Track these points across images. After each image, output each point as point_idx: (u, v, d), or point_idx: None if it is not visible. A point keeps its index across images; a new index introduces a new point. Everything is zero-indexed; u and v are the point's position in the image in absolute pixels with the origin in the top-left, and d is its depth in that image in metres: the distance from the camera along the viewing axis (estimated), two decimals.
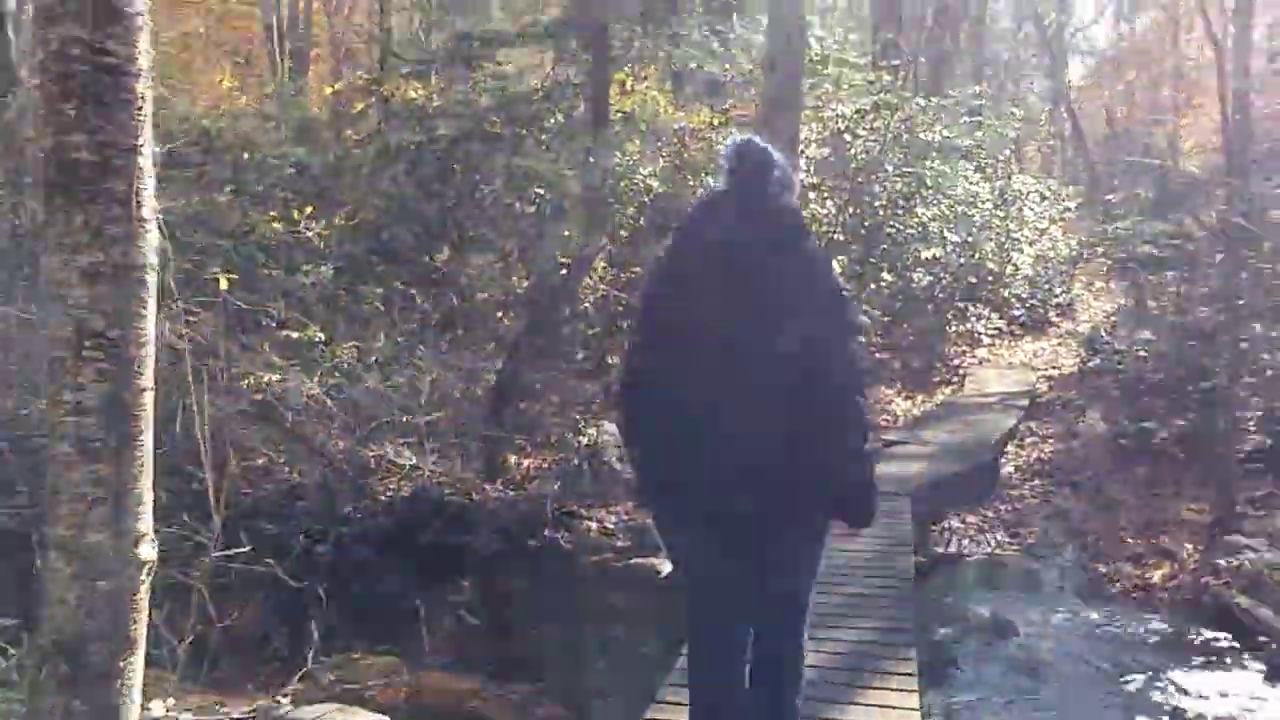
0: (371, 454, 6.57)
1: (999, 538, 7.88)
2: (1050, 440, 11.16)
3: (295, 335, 6.77)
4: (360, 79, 11.56)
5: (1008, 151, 19.03)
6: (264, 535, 7.19)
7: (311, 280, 7.37)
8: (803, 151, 11.37)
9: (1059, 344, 18.46)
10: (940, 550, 7.58)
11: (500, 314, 10.44)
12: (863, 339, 2.72)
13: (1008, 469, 9.92)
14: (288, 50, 23.73)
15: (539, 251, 11.18)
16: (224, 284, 5.97)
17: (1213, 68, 26.96)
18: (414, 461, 6.78)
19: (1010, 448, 10.79)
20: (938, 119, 14.05)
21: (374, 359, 7.71)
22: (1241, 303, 12.42)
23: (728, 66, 11.37)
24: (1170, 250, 13.89)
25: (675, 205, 11.59)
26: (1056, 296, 20.80)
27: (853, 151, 12.34)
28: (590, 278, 9.87)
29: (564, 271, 9.02)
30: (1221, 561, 6.69)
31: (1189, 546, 7.21)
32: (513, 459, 8.32)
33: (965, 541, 7.77)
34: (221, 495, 4.84)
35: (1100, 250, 16.22)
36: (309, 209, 7.31)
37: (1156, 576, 6.91)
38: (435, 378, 8.34)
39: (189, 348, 4.42)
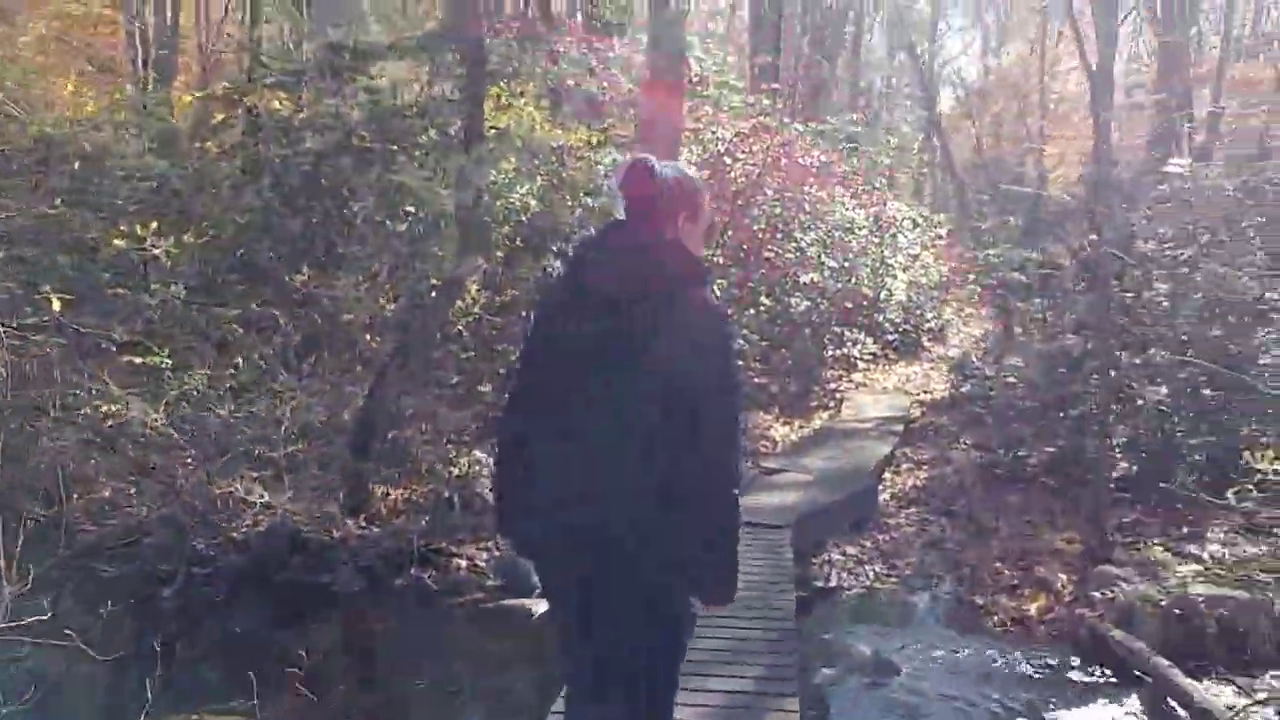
0: (219, 490, 6.09)
1: (877, 569, 7.78)
2: (925, 466, 11.21)
3: (140, 360, 6.26)
4: (223, 88, 10.97)
5: (882, 178, 19.33)
6: (104, 579, 6.71)
7: (159, 300, 6.85)
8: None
9: (931, 369, 18.75)
10: (820, 584, 7.44)
11: (368, 337, 9.99)
12: (739, 409, 2.49)
13: (884, 496, 9.89)
14: (152, 58, 22.80)
15: (410, 271, 10.79)
16: (56, 305, 5.48)
17: (1073, 100, 28.08)
18: (266, 498, 6.32)
19: (887, 474, 10.80)
20: (815, 144, 14.11)
21: (228, 385, 7.23)
22: (1107, 330, 12.81)
23: (606, 85, 11.16)
24: (1039, 278, 14.20)
25: (552, 225, 11.34)
26: (928, 322, 21.20)
27: (732, 174, 12.26)
28: (463, 300, 9.52)
29: (434, 293, 8.65)
30: (1095, 593, 6.69)
31: (1064, 577, 7.21)
32: (379, 491, 7.91)
33: (844, 574, 7.65)
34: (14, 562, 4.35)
35: (971, 277, 16.45)
36: (154, 224, 6.77)
37: (1033, 609, 6.88)
38: (296, 404, 7.90)
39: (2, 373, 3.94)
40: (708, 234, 2.73)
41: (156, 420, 5.90)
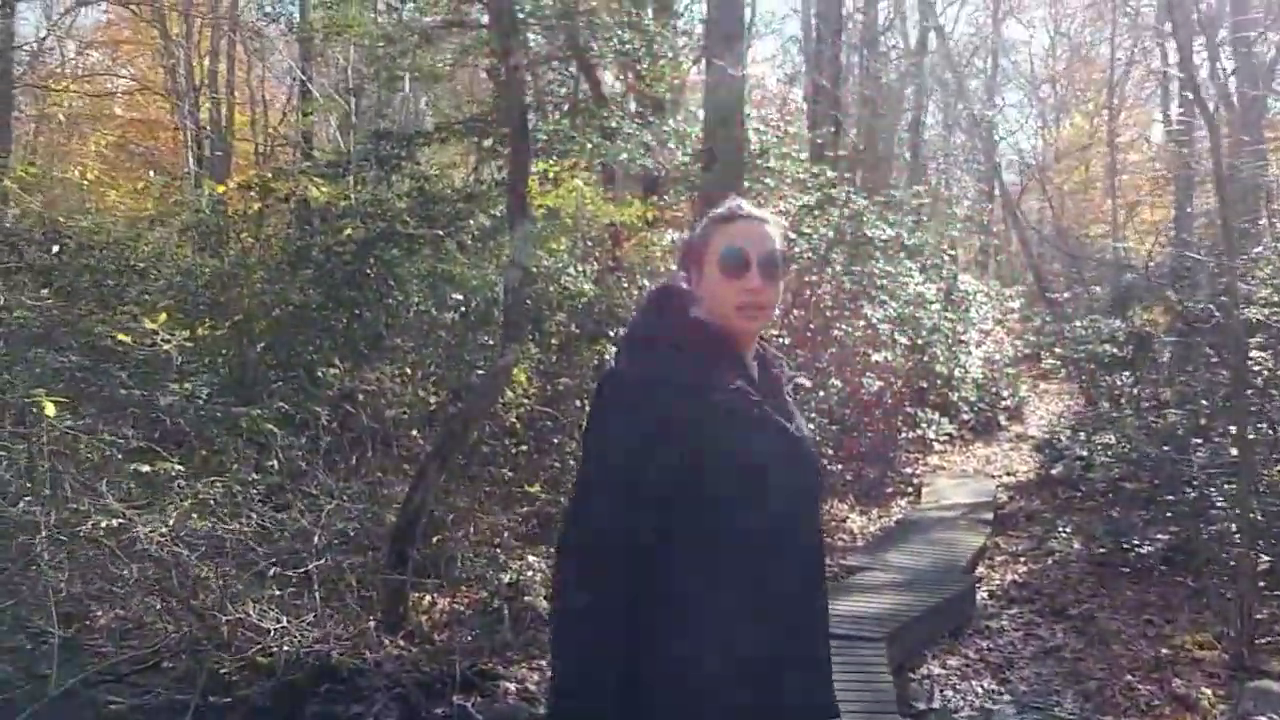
0: (240, 610, 5.33)
1: (986, 685, 6.81)
2: (1023, 559, 10.21)
3: (147, 468, 5.60)
4: (257, 176, 10.54)
5: (952, 251, 18.52)
6: (114, 711, 6.00)
7: (169, 400, 6.22)
8: None
9: (1011, 449, 17.71)
10: (922, 705, 6.48)
11: (414, 433, 9.30)
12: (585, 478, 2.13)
13: (982, 594, 8.91)
14: (206, 159, 22.84)
15: (458, 363, 10.15)
16: (50, 409, 4.85)
17: (1137, 169, 27.17)
18: (291, 618, 5.55)
19: (981, 568, 9.83)
20: (883, 216, 13.37)
21: (255, 490, 6.54)
22: (1212, 402, 11.76)
23: (662, 160, 10.57)
24: (1133, 349, 13.25)
25: (608, 308, 10.67)
26: (1004, 400, 20.17)
27: (797, 249, 11.54)
28: (513, 390, 8.82)
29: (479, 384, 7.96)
30: (1255, 714, 5.69)
31: (1208, 693, 6.20)
32: (420, 604, 7.14)
33: (949, 692, 6.68)
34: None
35: (1057, 351, 15.48)
36: (163, 317, 6.19)
37: None
38: (331, 509, 7.19)
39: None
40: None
41: (162, 534, 5.19)
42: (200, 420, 6.94)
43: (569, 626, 1.98)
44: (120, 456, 5.55)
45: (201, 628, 5.93)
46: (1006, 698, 6.58)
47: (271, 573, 5.73)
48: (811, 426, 12.53)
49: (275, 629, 5.17)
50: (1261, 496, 7.35)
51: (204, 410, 7.21)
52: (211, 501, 5.72)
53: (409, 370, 9.89)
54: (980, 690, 6.71)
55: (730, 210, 2.24)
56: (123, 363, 6.49)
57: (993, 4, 30.25)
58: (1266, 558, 6.97)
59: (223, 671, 5.97)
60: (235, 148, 24.18)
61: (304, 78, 18.73)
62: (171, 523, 5.29)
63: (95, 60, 25.98)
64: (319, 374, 7.75)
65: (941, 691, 6.66)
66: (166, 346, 6.39)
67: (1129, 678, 6.59)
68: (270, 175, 10.34)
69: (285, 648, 5.90)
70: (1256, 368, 9.02)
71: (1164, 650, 7.04)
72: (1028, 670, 7.02)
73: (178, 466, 5.66)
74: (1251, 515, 6.94)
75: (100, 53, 26.26)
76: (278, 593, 5.48)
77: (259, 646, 5.73)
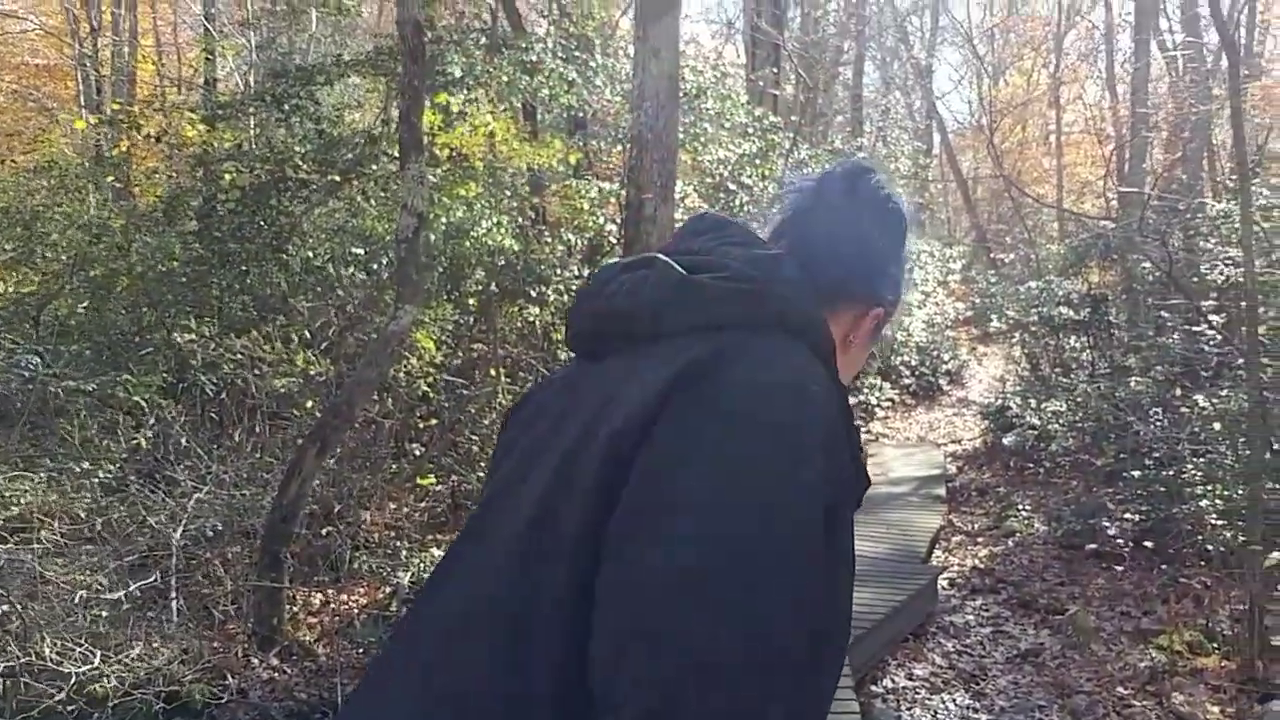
0: (23, 658, 4.19)
1: (959, 699, 5.92)
2: (980, 540, 9.40)
3: None
4: (123, 112, 9.24)
5: None
6: None
7: None
8: (680, 202, 9.52)
9: (954, 414, 17.06)
10: None
11: (309, 404, 8.17)
12: None
13: (941, 581, 8.06)
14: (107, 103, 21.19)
15: (357, 326, 9.06)
16: None
17: (1075, 126, 26.51)
18: (93, 662, 4.40)
19: (937, 550, 9.00)
20: (825, 167, 12.39)
21: (96, 478, 5.43)
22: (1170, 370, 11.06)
23: (588, 99, 9.45)
24: (1087, 311, 12.49)
25: (529, 265, 9.61)
26: (945, 363, 19.54)
27: (738, 201, 10.53)
28: (418, 358, 7.74)
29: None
30: None
31: (1216, 711, 5.37)
32: (304, 611, 6.07)
33: (918, 710, 5.78)
34: None
35: (1009, 314, 14.72)
36: None
37: None
38: (204, 495, 6.10)
39: None
40: None
41: None
42: (34, 391, 5.77)
43: None
44: None
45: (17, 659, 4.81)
46: (984, 717, 5.69)
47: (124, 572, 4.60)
48: None
49: (80, 671, 4.06)
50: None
51: (44, 378, 6.05)
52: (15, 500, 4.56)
53: (307, 334, 8.76)
54: (954, 706, 5.81)
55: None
56: None
57: None
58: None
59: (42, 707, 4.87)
60: (138, 94, 22.55)
61: (205, 14, 17.23)
62: None
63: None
64: (176, 340, 6.56)
65: (910, 710, 5.75)
66: None
67: (1121, 690, 5.75)
68: (136, 110, 9.03)
69: (128, 677, 4.80)
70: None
71: (1156, 656, 6.21)
72: (1004, 680, 6.14)
73: None
74: (1264, 496, 6.08)
75: None
76: (103, 615, 4.34)
77: (84, 678, 4.61)
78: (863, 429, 15.13)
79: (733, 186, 10.62)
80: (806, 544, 0.97)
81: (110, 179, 8.51)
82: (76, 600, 4.11)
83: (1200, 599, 7.32)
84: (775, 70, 14.87)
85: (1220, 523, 7.75)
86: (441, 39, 10.05)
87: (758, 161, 10.74)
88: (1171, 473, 8.39)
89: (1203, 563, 7.95)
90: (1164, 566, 7.96)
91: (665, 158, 8.42)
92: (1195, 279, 10.34)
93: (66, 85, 24.26)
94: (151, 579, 5.11)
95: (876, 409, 15.99)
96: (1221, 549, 7.69)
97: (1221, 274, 9.90)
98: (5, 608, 3.90)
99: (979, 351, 21.96)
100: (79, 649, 3.89)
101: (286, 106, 10.30)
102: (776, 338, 1.11)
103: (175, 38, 24.69)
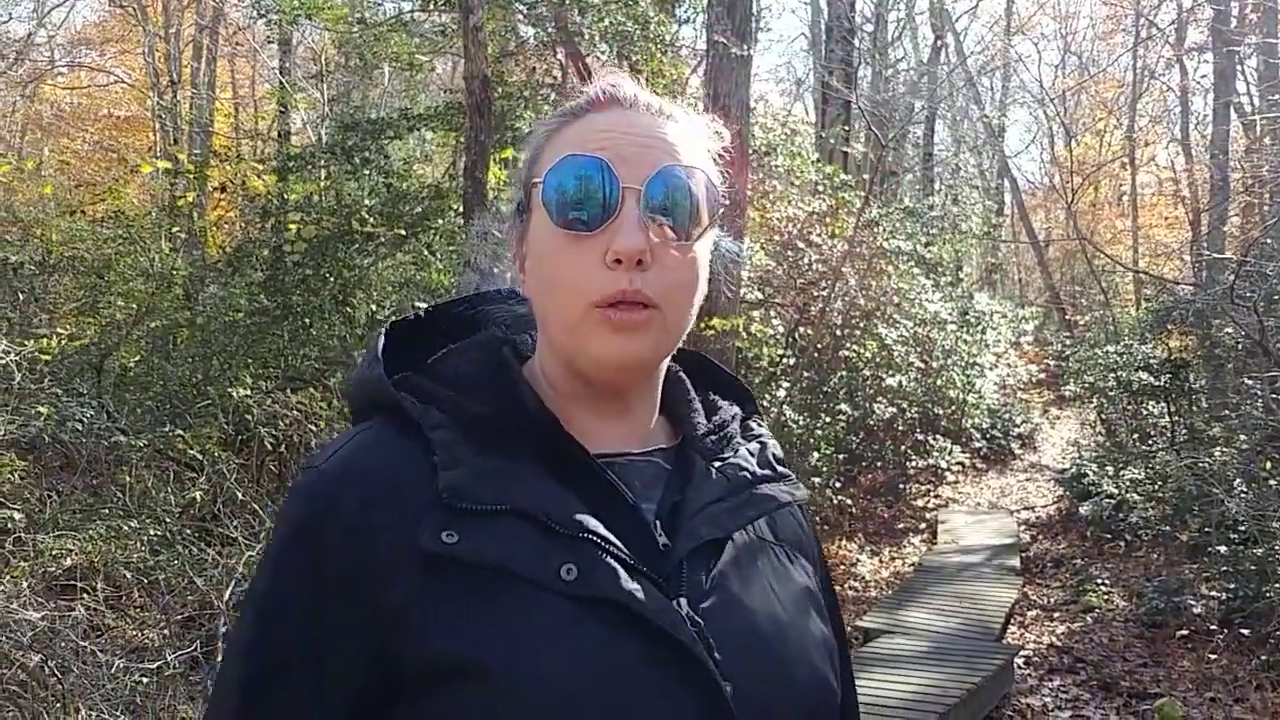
0: None
1: None
2: (1057, 616, 9.00)
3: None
4: (190, 163, 9.34)
5: (968, 268, 17.38)
6: None
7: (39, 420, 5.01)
8: (750, 259, 9.37)
9: (1026, 479, 16.62)
10: None
11: None
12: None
13: (1017, 659, 7.68)
14: (183, 155, 21.68)
15: None
16: None
17: (1150, 188, 26.01)
18: None
19: (1012, 625, 8.62)
20: (900, 226, 12.18)
21: (145, 535, 5.34)
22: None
23: None
24: (1167, 377, 12.06)
25: None
26: (1017, 426, 19.11)
27: (806, 259, 10.34)
28: None
29: None
30: None
31: None
32: None
33: None
34: None
35: (1087, 379, 14.30)
36: None
37: None
38: (255, 555, 5.96)
39: None
40: None
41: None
42: (94, 442, 5.73)
43: None
44: None
45: None
46: None
47: (139, 649, 4.48)
48: (817, 457, 11.48)
49: None
50: None
51: (104, 428, 6.02)
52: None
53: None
54: None
55: (595, 94, 1.05)
56: None
57: (1004, 19, 29.24)
58: None
59: None
60: (213, 146, 23.11)
61: (280, 68, 17.57)
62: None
63: (84, 58, 25.06)
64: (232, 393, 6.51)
65: None
66: (45, 356, 5.16)
67: None
68: (204, 161, 9.13)
69: None
70: None
71: None
72: None
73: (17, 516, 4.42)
74: None
75: (89, 49, 25.30)
76: (143, 681, 4.21)
77: None
78: (931, 493, 14.77)
79: (801, 245, 10.44)
80: None
81: (177, 229, 8.55)
82: (119, 666, 3.98)
83: None
84: (846, 128, 14.71)
85: None
86: (512, 95, 10.06)
87: (827, 220, 10.56)
88: (1261, 550, 7.97)
89: None
90: (1258, 650, 7.52)
91: (734, 214, 8.25)
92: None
93: (146, 137, 24.95)
94: (193, 646, 4.98)
95: (947, 473, 15.57)
96: None
97: None
98: (46, 670, 3.79)
99: (1052, 415, 21.47)
100: (117, 717, 3.76)
101: (356, 159, 10.36)
102: None
103: (253, 91, 25.34)
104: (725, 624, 0.95)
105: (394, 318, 1.18)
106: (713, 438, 1.09)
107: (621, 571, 0.92)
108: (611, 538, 0.93)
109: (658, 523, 1.00)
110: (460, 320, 1.14)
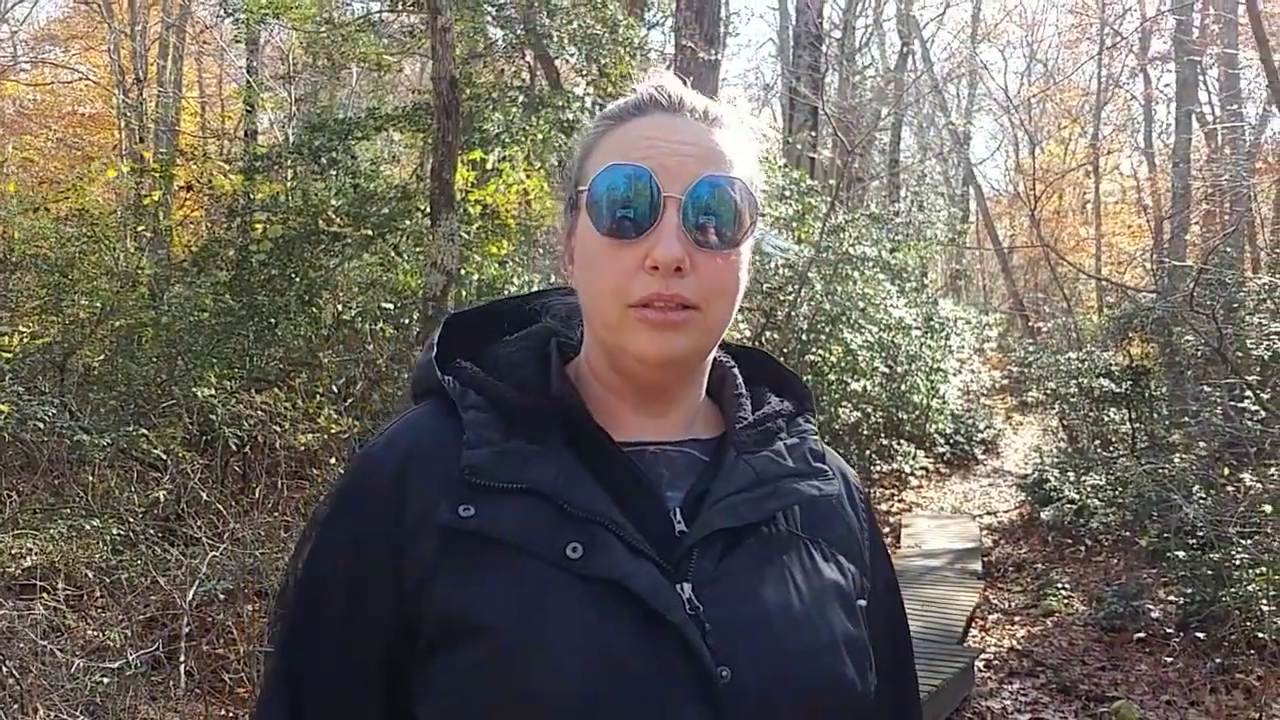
0: None
1: None
2: (1018, 619, 9.10)
3: None
4: (155, 161, 9.27)
5: (932, 274, 17.53)
6: None
7: None
8: None
9: (989, 484, 16.75)
10: None
11: (332, 460, 8.04)
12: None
13: (977, 662, 7.76)
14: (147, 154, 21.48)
15: (394, 385, 8.94)
16: None
17: (1113, 195, 26.35)
18: None
19: (973, 629, 8.71)
20: (865, 233, 12.26)
21: (108, 534, 5.30)
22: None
23: None
24: (1128, 384, 12.22)
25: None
26: (980, 432, 19.29)
27: (772, 265, 10.41)
28: None
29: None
30: None
31: None
32: None
33: None
34: None
35: (1049, 386, 14.46)
36: None
37: None
38: (223, 551, 5.95)
39: None
40: None
41: None
42: (55, 441, 5.68)
43: None
44: None
45: None
46: None
47: (100, 650, 4.44)
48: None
49: None
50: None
51: (66, 427, 5.96)
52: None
53: (334, 389, 8.66)
54: None
55: (641, 97, 1.10)
56: None
57: (971, 26, 29.47)
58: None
59: None
60: (179, 145, 22.89)
61: (247, 67, 17.45)
62: None
63: (49, 54, 24.75)
64: (197, 393, 6.47)
65: None
66: (6, 355, 5.12)
67: None
68: (169, 160, 9.06)
69: None
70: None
71: None
72: None
73: None
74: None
75: (52, 46, 25.01)
76: (104, 681, 4.18)
77: None
78: (895, 498, 14.87)
79: (768, 249, 10.50)
80: None
81: (143, 228, 8.48)
82: (79, 666, 3.96)
83: (1251, 690, 7.03)
84: (813, 134, 14.81)
85: (1271, 609, 7.47)
86: (480, 96, 10.06)
87: (794, 225, 10.63)
88: (1218, 555, 8.10)
89: (1253, 651, 7.62)
90: (1212, 654, 7.64)
91: None
92: (1239, 354, 10.14)
93: (111, 135, 24.69)
94: (155, 645, 4.95)
95: (910, 478, 15.70)
96: (1275, 637, 7.39)
97: (1267, 349, 9.73)
98: (4, 670, 3.76)
99: (1015, 421, 21.69)
100: (76, 717, 3.73)
101: (323, 159, 10.31)
102: None
103: (220, 90, 25.13)
104: (728, 611, 1.00)
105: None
106: (752, 432, 1.13)
107: (625, 553, 0.97)
108: (622, 520, 0.99)
109: (679, 510, 1.05)
110: (521, 312, 1.21)
